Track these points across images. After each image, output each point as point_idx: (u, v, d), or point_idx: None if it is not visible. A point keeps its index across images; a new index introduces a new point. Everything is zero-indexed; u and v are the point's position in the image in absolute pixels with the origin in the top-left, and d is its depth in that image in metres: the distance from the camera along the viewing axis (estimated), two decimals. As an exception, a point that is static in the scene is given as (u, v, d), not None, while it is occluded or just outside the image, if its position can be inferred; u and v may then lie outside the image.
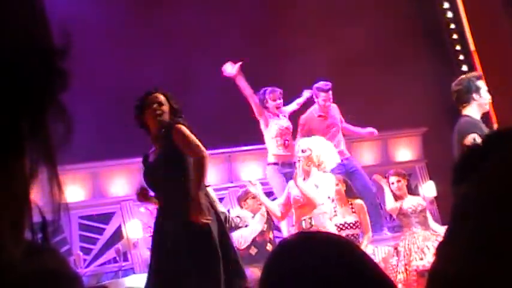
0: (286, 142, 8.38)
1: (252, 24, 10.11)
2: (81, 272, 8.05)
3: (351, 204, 7.75)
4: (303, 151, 6.94)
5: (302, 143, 7.15)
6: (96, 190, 9.23)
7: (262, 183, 7.62)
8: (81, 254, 8.56)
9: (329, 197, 6.87)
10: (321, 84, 8.79)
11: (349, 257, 1.40)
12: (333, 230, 6.86)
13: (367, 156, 10.35)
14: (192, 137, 5.29)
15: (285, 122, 8.55)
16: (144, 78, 8.94)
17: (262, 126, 8.45)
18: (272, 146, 8.40)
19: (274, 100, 8.45)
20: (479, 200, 1.14)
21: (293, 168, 7.86)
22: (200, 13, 9.89)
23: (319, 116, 8.81)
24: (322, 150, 7.00)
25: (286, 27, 10.27)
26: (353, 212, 7.71)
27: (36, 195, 0.72)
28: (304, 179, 6.90)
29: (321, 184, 6.83)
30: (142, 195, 5.52)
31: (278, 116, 8.53)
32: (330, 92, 8.75)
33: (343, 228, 7.44)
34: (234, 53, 9.18)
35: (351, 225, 7.50)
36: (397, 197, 7.96)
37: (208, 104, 8.88)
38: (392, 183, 8.02)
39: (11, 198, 0.70)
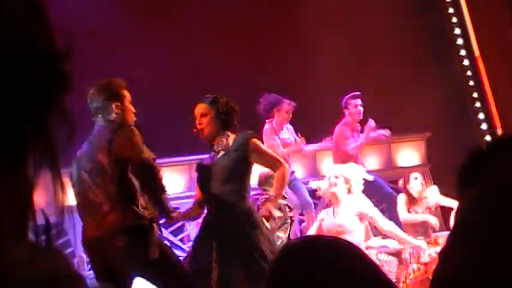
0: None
1: (261, 17, 10.12)
2: (85, 274, 8.05)
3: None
4: (336, 177, 6.94)
5: (333, 170, 7.13)
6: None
7: None
8: (84, 256, 8.56)
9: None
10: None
11: (352, 261, 1.40)
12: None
13: (371, 160, 10.33)
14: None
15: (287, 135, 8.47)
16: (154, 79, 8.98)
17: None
18: None
19: (287, 112, 8.38)
20: (483, 206, 1.14)
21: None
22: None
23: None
24: (352, 174, 7.02)
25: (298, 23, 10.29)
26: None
27: (40, 197, 0.72)
28: (332, 204, 6.98)
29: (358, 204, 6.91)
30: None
31: (282, 129, 8.47)
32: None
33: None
34: (245, 46, 9.23)
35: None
36: (415, 200, 7.99)
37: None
38: (416, 178, 8.05)
39: (14, 200, 0.70)
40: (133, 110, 5.06)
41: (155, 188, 5.01)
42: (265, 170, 6.56)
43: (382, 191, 8.72)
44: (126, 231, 4.83)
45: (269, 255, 5.00)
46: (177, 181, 9.42)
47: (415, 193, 8.04)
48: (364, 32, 10.47)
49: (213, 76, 9.17)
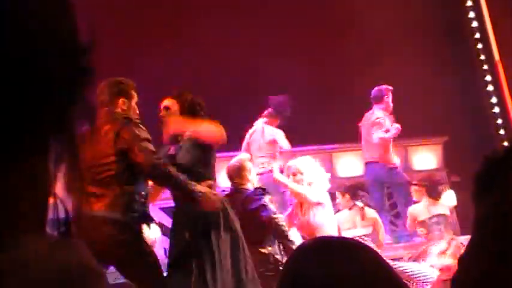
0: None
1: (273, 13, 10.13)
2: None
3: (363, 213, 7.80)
4: (293, 174, 6.91)
5: (292, 165, 7.08)
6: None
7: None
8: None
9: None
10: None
11: (366, 261, 1.40)
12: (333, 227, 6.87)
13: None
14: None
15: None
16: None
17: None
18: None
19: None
20: (499, 213, 1.14)
21: None
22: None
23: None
24: (313, 172, 6.93)
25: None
26: (362, 220, 7.73)
27: (60, 190, 0.73)
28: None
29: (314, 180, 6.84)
30: None
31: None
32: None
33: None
34: (257, 32, 9.21)
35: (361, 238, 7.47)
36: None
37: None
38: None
39: (34, 192, 0.70)
40: (137, 112, 5.04)
41: (175, 183, 4.92)
42: (234, 162, 6.59)
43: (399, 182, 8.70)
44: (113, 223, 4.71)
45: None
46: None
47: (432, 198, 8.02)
48: (382, 32, 10.42)
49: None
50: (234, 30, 9.73)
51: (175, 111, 5.32)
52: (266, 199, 6.33)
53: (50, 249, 0.68)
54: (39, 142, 0.71)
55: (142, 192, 4.84)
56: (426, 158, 10.90)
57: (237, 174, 6.56)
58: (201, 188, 4.93)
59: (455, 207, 8.62)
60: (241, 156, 6.95)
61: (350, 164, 10.28)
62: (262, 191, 6.43)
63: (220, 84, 9.48)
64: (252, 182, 6.58)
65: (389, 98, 8.82)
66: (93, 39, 0.73)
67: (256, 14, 10.07)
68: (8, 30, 0.67)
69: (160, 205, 8.83)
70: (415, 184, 8.28)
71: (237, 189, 6.47)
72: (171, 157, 5.28)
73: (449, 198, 8.14)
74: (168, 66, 9.45)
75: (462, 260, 1.20)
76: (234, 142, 8.01)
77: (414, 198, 8.30)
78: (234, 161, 6.68)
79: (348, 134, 9.66)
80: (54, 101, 0.71)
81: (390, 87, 8.83)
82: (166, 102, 5.37)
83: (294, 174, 6.89)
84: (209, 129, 5.20)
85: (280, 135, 8.35)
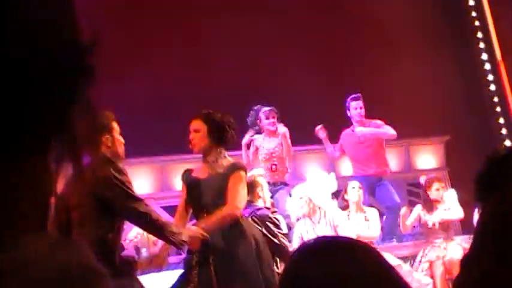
0: (274, 166, 8.18)
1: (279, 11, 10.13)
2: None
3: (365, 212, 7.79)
4: (300, 198, 6.95)
5: (297, 192, 7.08)
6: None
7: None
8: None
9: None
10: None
11: (368, 262, 1.40)
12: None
13: (389, 162, 10.29)
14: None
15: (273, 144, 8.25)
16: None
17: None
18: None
19: (267, 118, 8.21)
20: (502, 215, 1.13)
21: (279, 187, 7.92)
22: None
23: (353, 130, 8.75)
24: (320, 194, 6.96)
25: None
26: (366, 220, 7.72)
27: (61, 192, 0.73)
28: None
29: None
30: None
31: (269, 137, 8.28)
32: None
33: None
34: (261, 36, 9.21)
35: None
36: (432, 205, 7.92)
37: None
38: (437, 190, 7.98)
39: (35, 192, 0.70)
40: (123, 142, 4.82)
41: (155, 230, 4.68)
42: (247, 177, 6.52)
43: (390, 201, 8.65)
44: None
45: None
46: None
47: (431, 199, 7.97)
48: (382, 33, 10.43)
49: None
50: (240, 29, 9.72)
51: (204, 133, 5.27)
52: (274, 219, 6.25)
53: (50, 249, 0.67)
54: (40, 142, 0.71)
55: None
56: (428, 157, 10.89)
57: (248, 190, 6.47)
58: (186, 232, 4.82)
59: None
60: (254, 171, 6.80)
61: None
62: (270, 210, 6.36)
63: (224, 85, 9.48)
64: (264, 199, 6.48)
65: (351, 110, 8.73)
66: (94, 39, 0.73)
67: (268, 15, 10.06)
68: (8, 30, 0.67)
69: (161, 204, 8.84)
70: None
71: (249, 206, 6.27)
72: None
73: (450, 198, 8.13)
74: (169, 66, 9.46)
75: (465, 260, 1.20)
76: (238, 143, 8.04)
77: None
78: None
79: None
80: (54, 100, 0.70)
81: (353, 97, 8.72)
82: (195, 124, 5.32)
83: (300, 198, 6.92)
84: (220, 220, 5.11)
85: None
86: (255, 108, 8.21)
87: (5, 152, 0.68)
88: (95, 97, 0.74)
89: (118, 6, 9.40)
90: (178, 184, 9.13)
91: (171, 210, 8.82)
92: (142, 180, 9.24)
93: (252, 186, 6.33)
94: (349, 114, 8.71)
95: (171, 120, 8.63)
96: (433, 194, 7.94)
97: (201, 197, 5.25)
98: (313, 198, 6.91)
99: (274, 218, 6.28)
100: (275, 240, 6.13)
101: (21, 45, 0.68)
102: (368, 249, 1.47)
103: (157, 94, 9.30)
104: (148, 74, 9.23)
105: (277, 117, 8.18)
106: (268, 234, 6.10)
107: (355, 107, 8.64)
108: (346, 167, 9.61)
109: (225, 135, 5.27)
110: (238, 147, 7.89)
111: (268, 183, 7.53)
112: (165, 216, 8.63)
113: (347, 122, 8.80)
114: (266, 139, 8.19)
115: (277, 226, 6.27)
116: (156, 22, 9.69)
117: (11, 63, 0.67)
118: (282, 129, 8.15)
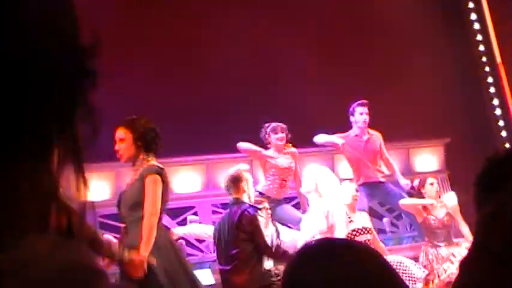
0: (284, 182, 8.04)
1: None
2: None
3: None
4: (308, 183, 6.90)
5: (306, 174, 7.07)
6: (117, 189, 9.26)
7: None
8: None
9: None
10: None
11: (369, 264, 1.39)
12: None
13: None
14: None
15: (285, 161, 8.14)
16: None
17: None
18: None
19: (276, 133, 8.04)
20: (502, 219, 1.13)
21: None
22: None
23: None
24: (326, 178, 6.93)
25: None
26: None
27: (63, 192, 0.73)
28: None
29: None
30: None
31: (278, 152, 8.13)
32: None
33: (362, 233, 7.38)
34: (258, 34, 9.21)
35: (368, 230, 7.46)
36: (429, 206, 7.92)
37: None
38: (432, 184, 7.97)
39: (38, 194, 0.70)
40: None
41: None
42: (232, 171, 6.42)
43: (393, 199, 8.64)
44: None
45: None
46: (194, 180, 9.45)
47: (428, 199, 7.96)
48: (381, 34, 10.43)
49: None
50: (248, 29, 9.72)
51: (130, 141, 5.13)
52: (259, 217, 6.20)
53: (51, 249, 0.67)
54: (40, 143, 0.71)
55: None
56: (428, 159, 10.89)
57: (232, 185, 6.37)
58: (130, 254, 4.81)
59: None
60: (240, 166, 6.72)
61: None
62: (256, 209, 6.27)
63: (229, 86, 9.48)
64: (248, 194, 6.39)
65: (356, 116, 8.71)
66: (97, 41, 0.73)
67: (281, 22, 10.07)
68: (8, 30, 0.67)
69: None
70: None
71: (233, 201, 6.30)
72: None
73: (450, 200, 8.12)
74: (173, 67, 9.46)
75: (464, 264, 1.19)
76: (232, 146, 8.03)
77: None
78: (231, 171, 6.50)
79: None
80: (54, 101, 0.70)
81: (360, 103, 8.69)
82: (119, 133, 5.17)
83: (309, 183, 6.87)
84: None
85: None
86: (265, 125, 8.10)
87: (5, 152, 0.68)
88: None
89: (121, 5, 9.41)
90: (177, 186, 9.17)
91: (171, 212, 8.83)
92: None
93: (237, 181, 6.32)
94: (352, 120, 8.67)
95: (171, 122, 8.63)
96: (428, 190, 7.92)
97: (120, 210, 5.21)
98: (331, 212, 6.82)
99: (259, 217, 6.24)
100: (262, 240, 6.13)
101: (22, 45, 0.68)
102: (369, 251, 1.46)
103: (157, 96, 9.30)
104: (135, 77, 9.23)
105: (286, 133, 8.10)
106: (256, 234, 6.11)
107: (361, 112, 8.59)
108: (343, 169, 9.61)
109: (150, 141, 5.15)
110: (236, 146, 7.91)
111: (274, 199, 7.59)
112: (166, 219, 8.65)
113: (346, 125, 8.79)
114: (276, 154, 8.07)
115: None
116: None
117: (11, 63, 0.67)
118: (293, 149, 8.14)
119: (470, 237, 7.46)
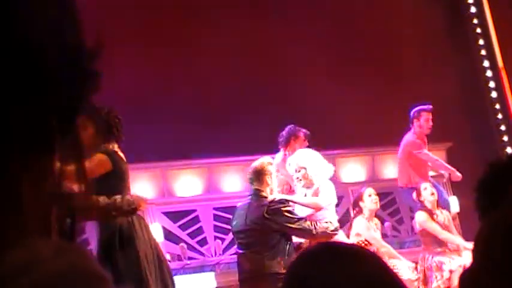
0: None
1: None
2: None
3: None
4: (296, 171, 6.52)
5: (293, 161, 6.66)
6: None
7: None
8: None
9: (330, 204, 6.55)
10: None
11: (371, 267, 1.39)
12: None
13: (389, 169, 10.29)
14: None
15: None
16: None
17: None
18: None
19: (305, 141, 7.78)
20: (505, 227, 1.13)
21: None
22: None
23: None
24: (316, 164, 6.57)
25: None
26: (377, 229, 7.71)
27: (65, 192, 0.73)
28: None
29: (324, 190, 6.51)
30: None
31: None
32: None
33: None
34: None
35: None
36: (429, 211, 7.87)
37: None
38: (425, 189, 7.94)
39: (40, 197, 0.70)
40: None
41: None
42: (256, 164, 6.30)
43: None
44: None
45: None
46: (195, 183, 9.44)
47: (428, 204, 7.90)
48: (381, 35, 10.44)
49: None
50: (250, 32, 9.73)
51: (92, 131, 4.92)
52: (285, 209, 6.14)
53: (53, 252, 0.67)
54: (41, 143, 0.71)
55: None
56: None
57: (255, 177, 6.27)
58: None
59: (458, 214, 8.61)
60: (263, 159, 6.50)
61: (354, 169, 10.26)
62: (281, 202, 6.21)
63: (233, 89, 9.48)
64: (271, 187, 6.28)
65: (421, 120, 8.62)
66: (99, 42, 0.73)
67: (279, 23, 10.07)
68: (8, 30, 0.67)
69: (162, 209, 8.84)
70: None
71: (256, 194, 6.21)
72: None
73: (452, 205, 8.11)
74: (176, 69, 9.46)
75: (464, 277, 1.19)
76: (246, 146, 8.03)
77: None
78: (255, 164, 6.37)
79: (353, 139, 9.68)
80: (55, 101, 0.71)
81: (427, 108, 8.61)
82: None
83: (297, 171, 6.51)
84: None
85: None
86: (290, 126, 7.87)
87: (5, 152, 0.68)
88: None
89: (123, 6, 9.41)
90: (179, 190, 9.18)
91: (172, 215, 8.84)
92: (143, 185, 9.25)
93: (260, 174, 6.20)
94: (415, 124, 8.57)
95: (173, 125, 8.64)
96: (424, 196, 7.89)
97: None
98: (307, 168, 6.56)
99: (287, 207, 6.20)
100: (294, 226, 6.11)
101: (22, 45, 0.68)
102: (370, 254, 1.46)
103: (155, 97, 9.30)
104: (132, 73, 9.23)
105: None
106: (288, 224, 6.08)
107: (426, 118, 8.53)
108: (346, 172, 9.61)
109: (113, 130, 5.09)
110: (238, 149, 7.91)
111: None
112: (167, 223, 8.66)
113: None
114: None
115: (292, 212, 6.20)
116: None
117: (12, 63, 0.67)
118: None
119: (462, 245, 7.45)
